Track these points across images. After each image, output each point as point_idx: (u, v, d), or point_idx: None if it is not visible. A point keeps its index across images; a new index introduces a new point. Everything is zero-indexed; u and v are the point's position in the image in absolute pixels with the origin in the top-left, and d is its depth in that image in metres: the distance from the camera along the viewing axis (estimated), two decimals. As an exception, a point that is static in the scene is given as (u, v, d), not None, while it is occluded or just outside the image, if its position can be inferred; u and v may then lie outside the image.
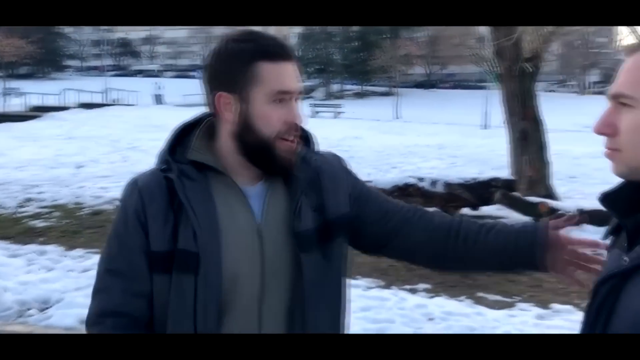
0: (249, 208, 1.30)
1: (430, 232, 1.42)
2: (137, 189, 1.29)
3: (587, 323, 1.07)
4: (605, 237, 1.19)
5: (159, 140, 1.44)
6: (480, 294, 5.12)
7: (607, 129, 1.03)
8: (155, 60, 73.53)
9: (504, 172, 8.25)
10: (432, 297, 5.04)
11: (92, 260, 5.64)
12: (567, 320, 4.60)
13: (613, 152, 1.04)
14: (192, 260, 1.23)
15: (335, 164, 1.44)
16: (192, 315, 1.23)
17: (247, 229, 1.29)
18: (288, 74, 1.27)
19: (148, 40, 75.91)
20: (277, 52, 1.25)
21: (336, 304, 1.37)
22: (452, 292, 5.08)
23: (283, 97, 1.26)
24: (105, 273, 1.30)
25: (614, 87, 1.03)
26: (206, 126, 1.34)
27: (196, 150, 1.31)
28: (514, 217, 7.10)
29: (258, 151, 1.28)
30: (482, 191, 7.65)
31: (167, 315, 1.25)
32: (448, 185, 7.72)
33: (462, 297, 5.06)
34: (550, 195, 7.70)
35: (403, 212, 1.45)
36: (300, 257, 1.29)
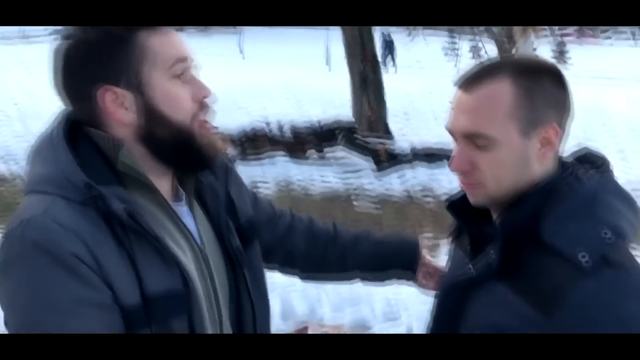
0: (187, 232, 1.09)
1: (310, 240, 1.40)
2: (62, 229, 0.93)
3: (435, 330, 1.09)
4: (449, 236, 1.21)
5: None
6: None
7: (465, 166, 1.00)
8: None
9: (347, 109, 8.64)
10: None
11: None
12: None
13: (473, 186, 1.02)
14: (180, 302, 1.01)
15: (231, 159, 1.25)
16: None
17: (194, 257, 1.09)
18: (176, 39, 1.03)
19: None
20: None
21: (268, 303, 1.24)
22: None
23: (183, 67, 1.02)
24: None
25: (463, 125, 0.99)
26: (86, 137, 1.02)
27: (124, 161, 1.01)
28: (354, 158, 7.68)
29: (178, 145, 1.02)
30: (327, 134, 8.05)
31: None
32: (294, 130, 8.02)
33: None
34: (387, 132, 8.25)
35: (285, 218, 1.40)
36: (244, 274, 1.15)
